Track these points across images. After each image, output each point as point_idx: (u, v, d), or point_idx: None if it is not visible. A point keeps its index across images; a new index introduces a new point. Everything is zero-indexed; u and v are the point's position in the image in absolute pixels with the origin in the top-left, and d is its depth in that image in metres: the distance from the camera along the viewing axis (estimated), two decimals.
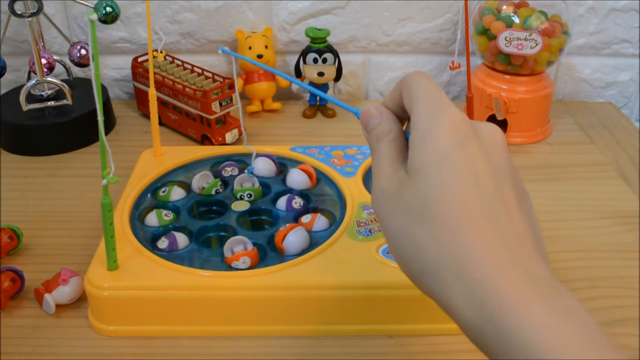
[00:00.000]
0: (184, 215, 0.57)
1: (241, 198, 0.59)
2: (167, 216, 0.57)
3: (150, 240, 0.54)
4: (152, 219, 0.56)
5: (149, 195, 0.60)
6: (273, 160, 0.64)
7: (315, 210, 0.58)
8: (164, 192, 0.60)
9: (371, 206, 0.33)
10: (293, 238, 0.52)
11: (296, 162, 0.64)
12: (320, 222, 0.55)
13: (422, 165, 0.30)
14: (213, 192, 0.60)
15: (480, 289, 0.27)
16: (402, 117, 0.36)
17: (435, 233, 0.29)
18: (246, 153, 0.66)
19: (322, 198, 0.59)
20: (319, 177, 0.62)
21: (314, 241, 0.53)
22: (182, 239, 0.53)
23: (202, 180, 0.61)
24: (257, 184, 0.61)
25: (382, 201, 0.32)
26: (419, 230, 0.30)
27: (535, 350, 0.25)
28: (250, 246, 0.52)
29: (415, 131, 0.32)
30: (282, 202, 0.58)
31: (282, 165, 0.65)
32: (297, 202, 0.58)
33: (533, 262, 0.28)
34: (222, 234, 0.56)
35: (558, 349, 0.25)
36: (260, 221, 0.58)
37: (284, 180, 0.62)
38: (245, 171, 0.61)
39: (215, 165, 0.65)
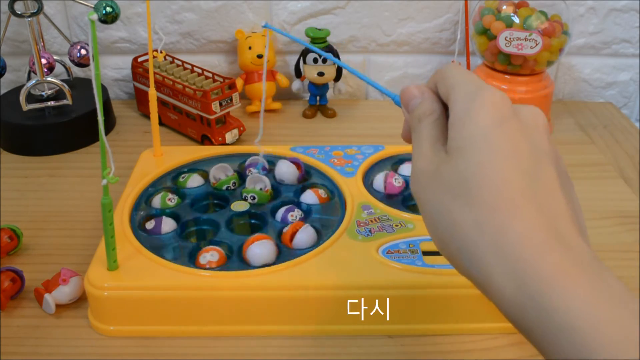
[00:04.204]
0: (186, 203, 0.59)
1: (245, 199, 0.59)
2: (171, 200, 0.59)
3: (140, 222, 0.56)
4: (156, 202, 0.59)
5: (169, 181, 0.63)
6: (298, 165, 0.62)
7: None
8: (183, 178, 0.62)
9: (410, 187, 0.33)
10: (257, 250, 0.51)
11: (320, 175, 0.63)
12: (303, 235, 0.53)
13: (461, 143, 0.30)
14: (224, 188, 0.60)
15: (520, 267, 0.27)
16: None
17: (474, 212, 0.29)
18: (256, 153, 0.65)
19: (323, 217, 0.57)
20: (330, 197, 0.60)
21: (288, 255, 0.52)
22: (168, 224, 0.55)
23: (219, 172, 0.62)
24: (267, 187, 0.59)
25: (422, 182, 0.32)
26: (458, 209, 0.29)
27: (577, 326, 0.25)
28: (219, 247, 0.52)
29: (454, 112, 0.31)
30: (280, 213, 0.57)
31: (308, 173, 0.63)
32: (294, 215, 0.56)
33: (574, 241, 0.28)
34: (204, 227, 0.57)
35: (600, 325, 0.25)
36: (252, 225, 0.58)
37: (296, 193, 0.60)
38: (254, 169, 0.61)
39: (243, 162, 0.65)
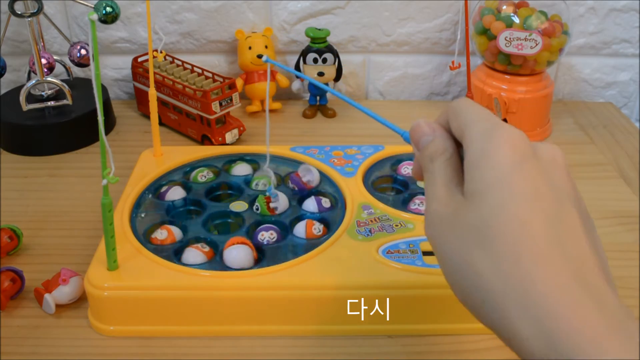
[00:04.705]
0: (211, 185, 0.62)
1: (251, 206, 0.58)
2: (202, 177, 0.62)
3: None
4: (192, 175, 0.63)
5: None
6: (318, 202, 0.59)
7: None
8: (235, 163, 0.65)
9: (424, 230, 0.32)
10: (190, 258, 0.51)
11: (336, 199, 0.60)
12: (234, 252, 0.51)
13: (480, 187, 0.29)
14: (254, 183, 0.62)
15: (548, 320, 0.26)
16: None
17: (497, 260, 0.27)
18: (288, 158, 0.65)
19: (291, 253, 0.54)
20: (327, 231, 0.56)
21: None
22: (176, 193, 0.59)
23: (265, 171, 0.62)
24: (277, 210, 0.57)
25: (437, 226, 0.31)
26: (480, 257, 0.28)
27: None
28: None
29: (471, 152, 0.30)
30: (257, 229, 0.55)
31: (333, 197, 0.60)
32: (264, 235, 0.54)
33: (603, 291, 0.27)
34: (192, 207, 0.59)
35: None
36: (230, 225, 0.58)
37: (298, 218, 0.57)
38: (267, 191, 0.58)
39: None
